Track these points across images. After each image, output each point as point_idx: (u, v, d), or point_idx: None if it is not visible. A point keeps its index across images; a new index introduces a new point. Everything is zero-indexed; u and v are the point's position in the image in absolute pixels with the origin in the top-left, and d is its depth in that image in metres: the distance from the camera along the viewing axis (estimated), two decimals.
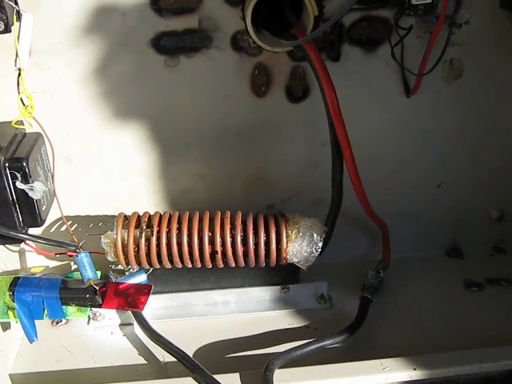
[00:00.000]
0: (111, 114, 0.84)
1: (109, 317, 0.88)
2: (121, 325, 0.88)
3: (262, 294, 0.91)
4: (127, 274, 0.83)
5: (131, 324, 0.88)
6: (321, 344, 0.80)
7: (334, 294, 0.92)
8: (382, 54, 0.83)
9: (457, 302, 0.91)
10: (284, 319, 0.89)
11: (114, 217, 0.90)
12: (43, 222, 0.76)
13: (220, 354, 0.83)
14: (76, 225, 0.91)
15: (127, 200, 0.91)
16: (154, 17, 0.78)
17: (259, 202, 0.92)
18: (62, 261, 0.94)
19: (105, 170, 0.88)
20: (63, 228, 0.91)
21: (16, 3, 0.70)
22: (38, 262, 0.92)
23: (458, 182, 0.95)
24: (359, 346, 0.83)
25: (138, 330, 0.87)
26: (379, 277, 0.90)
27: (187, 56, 0.81)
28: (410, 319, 0.88)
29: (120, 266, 0.83)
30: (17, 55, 0.71)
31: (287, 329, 0.87)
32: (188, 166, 0.89)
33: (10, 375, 0.78)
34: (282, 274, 0.89)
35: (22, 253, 0.89)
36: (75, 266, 0.93)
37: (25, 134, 0.78)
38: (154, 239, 0.77)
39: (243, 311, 0.90)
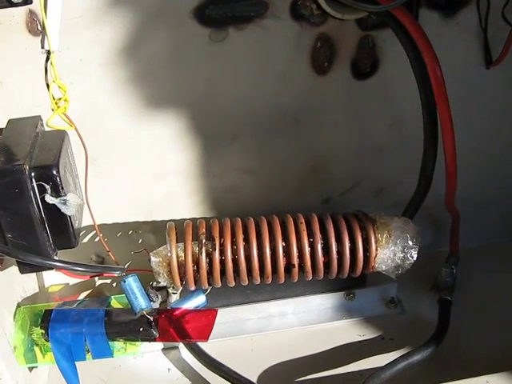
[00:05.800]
0: (143, 103, 0.71)
1: None
2: (164, 349, 0.76)
3: (323, 302, 0.80)
4: (170, 291, 0.71)
5: (176, 348, 0.75)
6: (410, 361, 0.69)
7: (402, 296, 0.82)
8: (462, 19, 0.72)
9: None
10: (353, 330, 0.78)
11: (146, 223, 0.78)
12: (77, 242, 0.62)
13: (288, 378, 0.72)
14: (101, 234, 0.76)
15: (161, 203, 0.78)
16: None
17: (314, 196, 0.81)
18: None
19: (134, 169, 0.76)
20: (86, 239, 0.77)
21: None
22: (55, 278, 0.78)
23: None
24: (446, 357, 0.73)
25: (186, 354, 0.74)
26: (453, 274, 0.80)
27: (237, 28, 0.68)
28: (496, 321, 0.78)
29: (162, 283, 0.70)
30: (45, 34, 0.56)
31: (359, 341, 0.77)
32: (235, 160, 0.77)
33: None
34: (346, 279, 0.78)
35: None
36: (99, 282, 0.81)
37: (46, 132, 0.63)
38: (216, 254, 0.63)
39: (304, 323, 0.79)
